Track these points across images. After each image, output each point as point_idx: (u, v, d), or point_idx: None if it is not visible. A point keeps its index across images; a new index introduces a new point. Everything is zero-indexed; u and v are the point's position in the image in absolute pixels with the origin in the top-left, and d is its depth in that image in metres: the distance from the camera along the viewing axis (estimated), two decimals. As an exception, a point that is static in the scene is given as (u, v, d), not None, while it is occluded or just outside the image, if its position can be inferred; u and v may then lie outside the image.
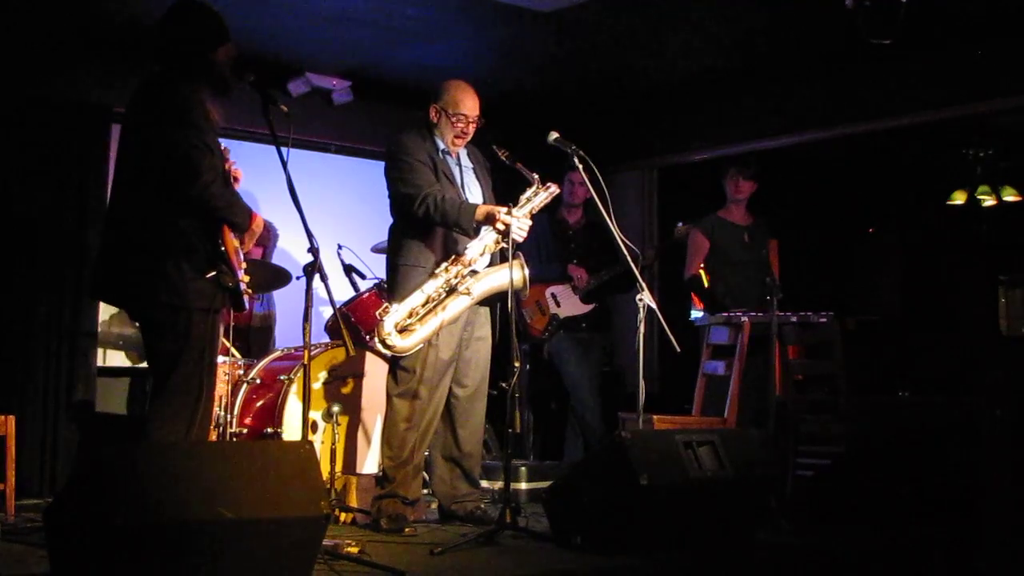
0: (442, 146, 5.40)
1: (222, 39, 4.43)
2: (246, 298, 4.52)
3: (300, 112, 6.38)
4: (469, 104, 5.35)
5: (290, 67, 7.43)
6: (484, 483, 5.85)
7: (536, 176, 5.23)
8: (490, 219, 5.07)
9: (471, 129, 5.38)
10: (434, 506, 5.67)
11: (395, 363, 5.33)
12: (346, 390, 5.96)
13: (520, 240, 5.11)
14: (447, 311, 5.14)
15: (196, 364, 4.33)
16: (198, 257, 4.27)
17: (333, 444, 5.42)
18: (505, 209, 5.07)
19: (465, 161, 5.50)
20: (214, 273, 4.29)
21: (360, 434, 5.97)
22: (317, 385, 5.83)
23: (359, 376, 5.97)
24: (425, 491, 5.61)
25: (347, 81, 7.64)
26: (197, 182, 4.21)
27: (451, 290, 5.14)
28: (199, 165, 4.22)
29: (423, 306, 5.11)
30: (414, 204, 5.16)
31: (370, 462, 5.97)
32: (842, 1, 5.63)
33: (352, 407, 5.95)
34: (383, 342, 5.07)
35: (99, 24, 6.61)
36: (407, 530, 5.11)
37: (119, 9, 6.35)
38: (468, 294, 5.14)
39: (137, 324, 4.81)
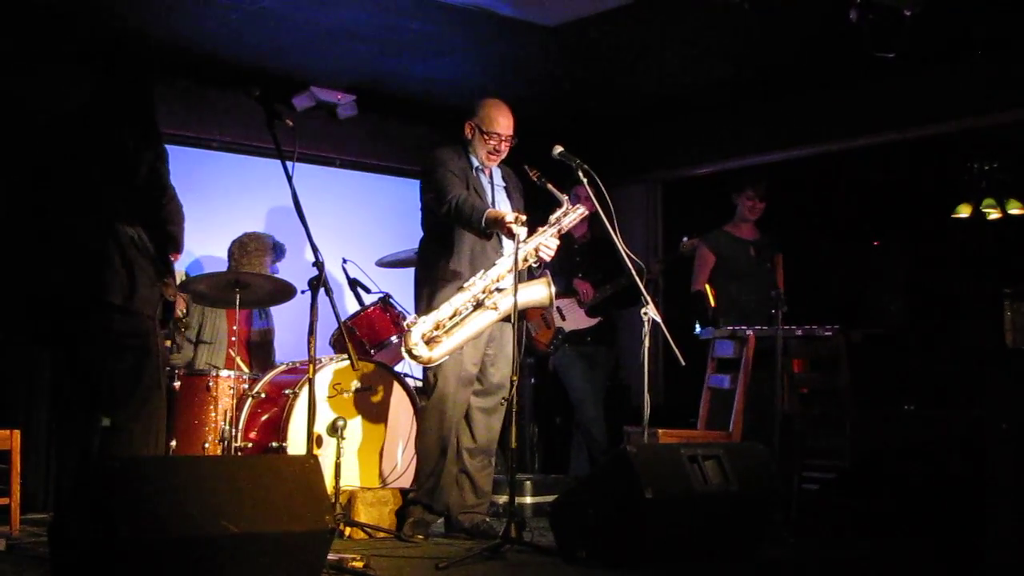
0: (476, 163, 5.47)
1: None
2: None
3: (305, 126, 6.39)
4: (503, 123, 5.42)
5: (295, 81, 7.44)
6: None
7: (566, 197, 5.26)
8: (498, 223, 5.09)
9: (504, 147, 5.45)
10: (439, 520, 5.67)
11: (423, 376, 5.48)
12: (360, 402, 5.97)
13: (547, 259, 5.20)
14: (473, 325, 5.21)
15: (157, 372, 4.44)
16: (151, 267, 4.35)
17: (338, 458, 5.43)
18: (513, 216, 5.07)
19: (497, 180, 5.58)
20: (160, 284, 4.37)
21: (370, 448, 5.98)
22: (349, 393, 5.91)
23: (369, 390, 5.98)
24: None
25: (352, 95, 7.65)
26: (164, 195, 4.35)
27: (478, 304, 5.20)
28: (163, 180, 4.36)
29: (450, 319, 5.18)
30: (441, 205, 5.25)
31: (381, 475, 5.98)
32: (846, 14, 5.64)
33: (363, 421, 5.96)
34: (410, 352, 5.16)
35: (99, 38, 6.63)
36: (418, 536, 5.24)
37: (116, 24, 6.38)
38: (495, 309, 5.19)
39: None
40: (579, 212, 5.29)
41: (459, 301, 5.18)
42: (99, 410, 4.32)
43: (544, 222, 5.25)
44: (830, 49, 6.72)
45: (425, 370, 5.45)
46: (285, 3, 6.07)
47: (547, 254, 5.18)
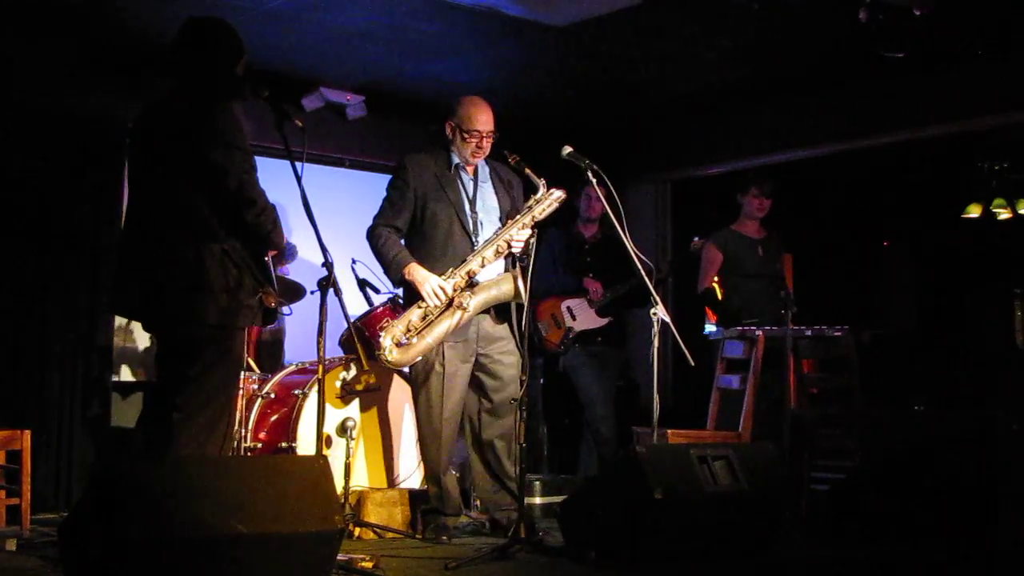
0: (456, 161, 5.47)
1: (241, 53, 4.45)
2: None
3: (314, 127, 6.41)
4: (482, 119, 5.40)
5: (304, 82, 7.45)
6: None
7: (543, 181, 5.29)
8: (414, 282, 5.27)
9: (485, 143, 5.43)
10: (463, 518, 5.67)
11: (413, 382, 5.49)
12: (369, 402, 5.97)
13: (517, 252, 5.25)
14: (444, 325, 5.26)
15: (230, 377, 4.43)
16: (248, 279, 4.30)
17: (347, 458, 5.43)
18: (436, 281, 5.21)
19: (483, 176, 5.56)
20: (260, 294, 4.34)
21: (379, 448, 5.98)
22: (358, 393, 5.94)
23: (378, 390, 5.98)
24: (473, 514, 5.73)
25: (361, 96, 7.66)
26: (253, 208, 4.28)
27: (448, 304, 5.24)
28: (253, 192, 4.29)
29: (421, 320, 5.24)
30: (370, 229, 5.46)
31: (390, 475, 5.98)
32: (856, 14, 5.63)
33: (373, 421, 5.96)
34: (380, 356, 5.22)
35: (115, 40, 6.65)
36: (443, 538, 5.26)
37: (134, 25, 6.39)
38: (464, 308, 5.22)
39: (155, 340, 4.76)
40: (554, 197, 5.33)
41: (430, 302, 5.24)
42: (168, 410, 4.30)
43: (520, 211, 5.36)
44: (840, 49, 6.72)
45: (410, 382, 5.51)
46: (294, 4, 6.09)
47: (517, 247, 5.24)
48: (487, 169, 5.58)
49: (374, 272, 6.57)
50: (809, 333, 6.34)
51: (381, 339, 5.21)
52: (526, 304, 5.22)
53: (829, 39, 6.58)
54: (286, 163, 4.39)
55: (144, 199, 4.39)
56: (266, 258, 4.43)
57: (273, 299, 4.42)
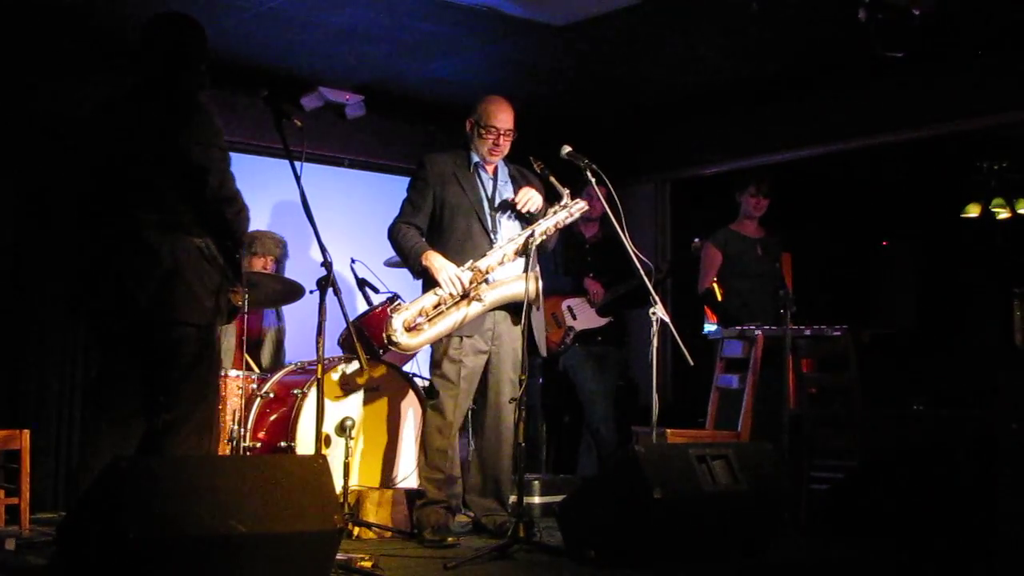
0: (476, 159, 5.49)
1: (207, 48, 4.46)
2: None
3: (313, 126, 6.40)
4: (500, 117, 5.43)
5: (303, 82, 7.45)
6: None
7: (567, 191, 5.31)
8: (431, 269, 5.26)
9: (503, 141, 5.45)
10: (461, 518, 5.66)
11: (430, 375, 5.50)
12: (368, 402, 5.97)
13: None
14: (457, 315, 5.26)
15: (213, 375, 4.42)
16: (220, 276, 4.30)
17: (347, 458, 5.43)
18: (454, 270, 5.20)
19: (503, 176, 5.58)
20: (228, 292, 4.34)
21: (378, 448, 5.98)
22: (357, 393, 5.93)
23: (377, 389, 5.98)
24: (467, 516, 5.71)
25: (360, 95, 7.66)
26: (233, 206, 4.31)
27: (464, 295, 5.24)
28: (233, 190, 4.32)
29: (434, 308, 5.24)
30: (390, 227, 5.44)
31: (389, 475, 5.98)
32: (855, 14, 5.63)
33: (372, 420, 5.96)
34: (389, 338, 5.22)
35: (116, 39, 6.64)
36: (450, 539, 5.19)
37: (136, 25, 6.38)
38: (480, 300, 5.24)
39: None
40: (577, 207, 5.36)
41: (445, 291, 5.23)
42: (154, 411, 4.28)
43: (544, 214, 5.35)
44: (839, 49, 6.71)
45: (430, 369, 5.50)
46: (294, 4, 6.09)
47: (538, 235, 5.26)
48: (507, 170, 5.60)
49: (373, 271, 6.58)
50: (808, 333, 6.34)
51: (392, 320, 5.20)
52: (542, 306, 5.24)
53: (829, 39, 6.58)
54: (285, 163, 4.39)
55: (114, 194, 4.31)
56: (236, 255, 4.44)
57: (239, 297, 4.45)
